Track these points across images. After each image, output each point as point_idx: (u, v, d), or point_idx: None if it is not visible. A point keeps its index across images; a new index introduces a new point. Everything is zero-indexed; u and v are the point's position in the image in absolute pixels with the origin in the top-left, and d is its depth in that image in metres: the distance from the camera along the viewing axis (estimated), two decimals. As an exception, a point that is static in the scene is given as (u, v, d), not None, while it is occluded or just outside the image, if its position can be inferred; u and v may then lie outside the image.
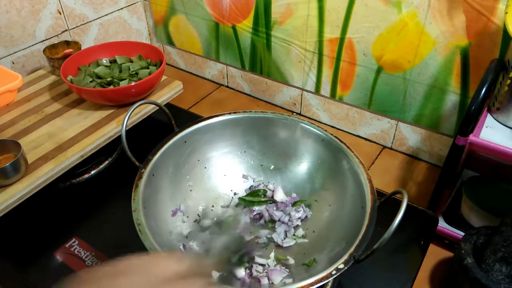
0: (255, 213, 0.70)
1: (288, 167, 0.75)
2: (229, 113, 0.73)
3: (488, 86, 0.66)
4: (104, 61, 0.96)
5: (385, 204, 0.57)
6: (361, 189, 0.60)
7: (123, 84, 0.87)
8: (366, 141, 1.08)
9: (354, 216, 0.59)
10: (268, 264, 0.62)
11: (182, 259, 0.38)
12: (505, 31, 0.73)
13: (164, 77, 0.95)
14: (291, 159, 0.74)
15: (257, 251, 0.63)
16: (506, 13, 0.64)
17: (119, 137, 0.71)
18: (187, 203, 0.69)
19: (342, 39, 0.95)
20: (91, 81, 0.89)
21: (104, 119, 0.84)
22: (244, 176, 0.75)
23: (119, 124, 0.83)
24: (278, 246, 0.65)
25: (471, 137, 0.67)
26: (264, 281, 0.59)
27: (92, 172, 0.87)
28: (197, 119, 0.72)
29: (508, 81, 0.66)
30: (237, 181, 0.75)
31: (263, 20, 1.05)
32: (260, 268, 0.61)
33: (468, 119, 0.67)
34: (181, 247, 0.62)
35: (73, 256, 0.69)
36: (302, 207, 0.69)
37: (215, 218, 0.69)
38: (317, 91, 1.08)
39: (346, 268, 0.50)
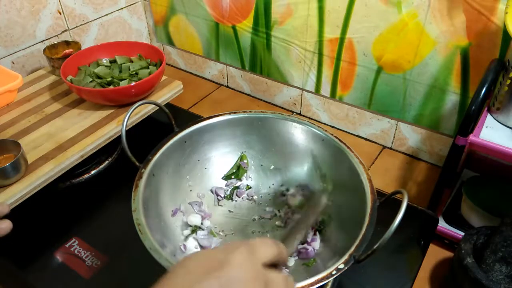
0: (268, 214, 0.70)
1: (288, 167, 0.74)
2: (229, 113, 0.73)
3: (488, 86, 0.66)
4: (104, 61, 0.96)
5: (385, 204, 0.57)
6: (361, 189, 0.60)
7: (123, 84, 0.87)
8: (366, 141, 1.08)
9: (354, 216, 0.59)
10: None
11: (275, 246, 0.38)
12: (505, 31, 0.73)
13: (164, 77, 0.95)
14: (291, 159, 0.74)
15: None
16: (506, 13, 0.64)
17: (119, 137, 0.71)
18: (187, 203, 0.69)
19: (342, 39, 0.95)
20: (91, 81, 0.89)
21: (104, 119, 0.84)
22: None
23: (119, 124, 0.83)
24: None
25: (471, 137, 0.67)
26: None
27: (92, 172, 0.87)
28: (197, 119, 0.72)
29: (508, 81, 0.66)
30: (237, 181, 0.75)
31: (263, 20, 1.05)
32: None
33: (468, 119, 0.67)
34: (182, 247, 0.62)
35: (73, 256, 0.69)
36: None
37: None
38: (317, 91, 1.08)
39: (346, 268, 0.50)
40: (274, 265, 0.38)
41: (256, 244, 0.36)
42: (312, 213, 0.60)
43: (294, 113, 1.17)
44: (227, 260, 0.33)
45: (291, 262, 0.62)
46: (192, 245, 0.64)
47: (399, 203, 0.48)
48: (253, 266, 0.34)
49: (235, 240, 0.34)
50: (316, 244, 0.63)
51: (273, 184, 0.75)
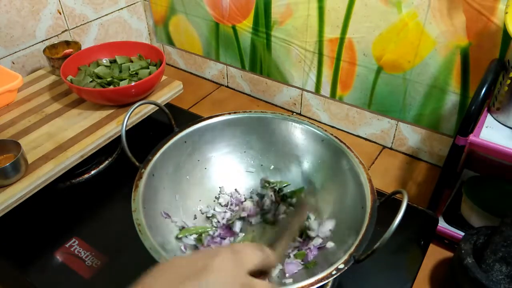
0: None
1: (288, 167, 0.74)
2: (229, 113, 0.73)
3: (488, 86, 0.66)
4: (104, 61, 0.96)
5: (385, 204, 0.57)
6: (361, 189, 0.60)
7: (123, 84, 0.87)
8: (366, 141, 1.08)
9: (354, 216, 0.59)
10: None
11: (260, 252, 0.37)
12: (505, 31, 0.73)
13: (164, 77, 0.95)
14: (291, 159, 0.74)
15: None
16: (506, 13, 0.64)
17: (119, 137, 0.71)
18: (187, 203, 0.69)
19: (342, 39, 0.95)
20: (91, 81, 0.89)
21: (104, 119, 0.84)
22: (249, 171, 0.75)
23: (119, 124, 0.83)
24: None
25: (471, 137, 0.67)
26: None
27: (92, 172, 0.87)
28: (197, 119, 0.72)
29: (508, 81, 0.66)
30: (237, 181, 0.75)
31: (263, 20, 1.05)
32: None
33: (468, 119, 0.67)
34: (182, 247, 0.62)
35: (73, 256, 0.69)
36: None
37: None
38: (317, 91, 1.08)
39: (346, 268, 0.50)
40: (264, 272, 0.37)
41: (240, 249, 0.36)
42: (298, 219, 0.57)
43: (294, 113, 1.17)
44: (208, 265, 0.33)
45: (276, 271, 0.60)
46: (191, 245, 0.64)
47: (399, 203, 0.48)
48: (235, 272, 0.34)
49: (221, 246, 0.34)
50: (314, 250, 0.62)
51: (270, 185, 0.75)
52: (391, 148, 1.05)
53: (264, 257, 0.37)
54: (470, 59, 0.81)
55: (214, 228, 0.67)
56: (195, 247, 0.63)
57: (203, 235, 0.64)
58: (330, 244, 0.61)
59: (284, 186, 0.74)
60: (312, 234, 0.64)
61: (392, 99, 0.96)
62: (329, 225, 0.64)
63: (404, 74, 0.91)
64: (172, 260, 0.35)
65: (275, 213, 0.70)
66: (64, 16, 1.08)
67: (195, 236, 0.65)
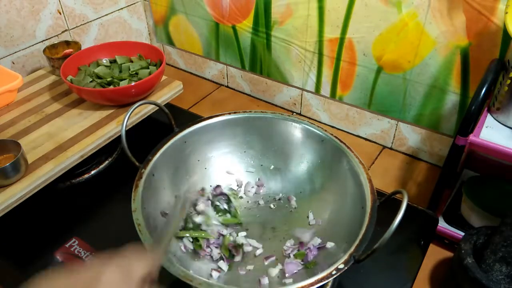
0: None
1: (288, 167, 0.74)
2: (229, 113, 0.73)
3: (488, 86, 0.66)
4: (104, 61, 0.96)
5: (385, 204, 0.57)
6: (361, 189, 0.60)
7: (123, 84, 0.87)
8: (366, 141, 1.08)
9: (354, 216, 0.59)
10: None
11: (144, 257, 0.36)
12: (505, 31, 0.73)
13: (164, 77, 0.95)
14: (291, 159, 0.74)
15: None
16: (506, 13, 0.64)
17: (119, 137, 0.71)
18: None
19: (342, 39, 0.95)
20: (91, 81, 0.89)
21: (104, 119, 0.84)
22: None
23: (119, 124, 0.83)
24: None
25: (471, 137, 0.67)
26: (265, 281, 0.59)
27: (92, 172, 0.87)
28: (197, 119, 0.72)
29: (508, 81, 0.66)
30: (237, 181, 0.75)
31: (263, 20, 1.05)
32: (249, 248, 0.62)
33: (468, 119, 0.67)
34: (182, 247, 0.62)
35: (73, 256, 0.69)
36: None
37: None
38: (317, 91, 1.08)
39: (346, 268, 0.50)
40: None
41: (130, 258, 0.35)
42: (177, 213, 0.56)
43: (294, 113, 1.17)
44: (96, 280, 0.32)
45: (276, 271, 0.60)
46: (191, 245, 0.64)
47: (399, 203, 0.48)
48: (126, 285, 0.33)
49: (107, 253, 0.32)
50: (314, 250, 0.62)
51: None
52: (391, 148, 1.05)
53: (149, 262, 0.36)
54: (470, 59, 0.81)
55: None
56: (194, 251, 0.63)
57: (200, 240, 0.64)
58: (330, 244, 0.61)
59: None
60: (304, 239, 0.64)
61: (392, 99, 0.96)
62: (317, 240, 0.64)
63: (404, 74, 0.91)
64: (55, 276, 0.33)
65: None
66: (64, 16, 1.08)
67: (191, 239, 0.65)
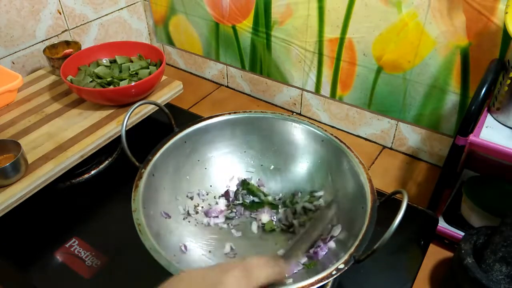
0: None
1: (288, 167, 0.74)
2: (229, 113, 0.73)
3: (488, 86, 0.66)
4: (104, 61, 0.96)
5: (385, 204, 0.57)
6: (361, 189, 0.60)
7: (123, 84, 0.87)
8: (366, 141, 1.08)
9: (354, 216, 0.59)
10: None
11: (273, 265, 0.37)
12: (505, 31, 0.73)
13: (164, 77, 0.95)
14: (291, 159, 0.74)
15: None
16: (506, 13, 0.64)
17: (119, 137, 0.71)
18: (187, 203, 0.69)
19: (342, 39, 0.95)
20: (91, 81, 0.89)
21: (104, 119, 0.84)
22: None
23: (119, 124, 0.83)
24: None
25: (471, 137, 0.67)
26: None
27: (92, 172, 0.87)
28: (197, 119, 0.72)
29: (508, 81, 0.66)
30: (237, 181, 0.75)
31: (263, 20, 1.05)
32: None
33: (468, 119, 0.67)
34: (182, 247, 0.62)
35: (73, 256, 0.69)
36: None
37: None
38: (317, 91, 1.08)
39: (346, 268, 0.50)
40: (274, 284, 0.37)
41: (252, 265, 0.36)
42: (318, 226, 0.58)
43: (294, 113, 1.17)
44: (219, 282, 0.33)
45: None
46: (191, 245, 0.64)
47: (399, 203, 0.48)
48: None
49: (232, 260, 0.34)
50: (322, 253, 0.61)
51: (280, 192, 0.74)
52: (391, 148, 1.05)
53: (277, 271, 0.37)
54: (470, 59, 0.81)
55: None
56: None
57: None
58: (330, 244, 0.61)
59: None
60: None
61: (392, 99, 0.96)
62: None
63: (404, 74, 0.91)
64: (183, 275, 0.35)
65: (289, 219, 0.69)
66: (64, 16, 1.08)
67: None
